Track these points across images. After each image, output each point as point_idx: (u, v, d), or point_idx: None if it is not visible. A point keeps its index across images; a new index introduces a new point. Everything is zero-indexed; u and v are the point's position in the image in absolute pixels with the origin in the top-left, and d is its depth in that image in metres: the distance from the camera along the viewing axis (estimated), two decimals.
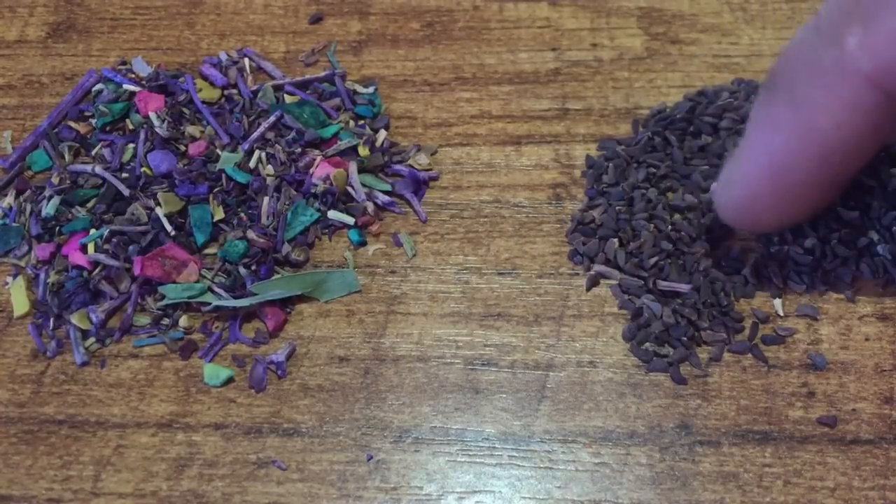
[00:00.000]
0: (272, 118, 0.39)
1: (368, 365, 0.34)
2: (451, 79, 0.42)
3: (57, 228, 0.37)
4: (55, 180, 0.38)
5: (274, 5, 0.45)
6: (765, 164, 0.28)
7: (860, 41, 0.25)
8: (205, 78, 0.42)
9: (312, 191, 0.37)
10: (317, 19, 0.45)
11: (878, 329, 0.34)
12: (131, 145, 0.38)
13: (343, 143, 0.38)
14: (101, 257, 0.35)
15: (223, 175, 0.37)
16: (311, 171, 0.37)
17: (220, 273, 0.36)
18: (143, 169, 0.37)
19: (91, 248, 0.35)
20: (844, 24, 0.26)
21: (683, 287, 0.34)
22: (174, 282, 0.35)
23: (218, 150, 0.38)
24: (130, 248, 0.35)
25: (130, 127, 0.39)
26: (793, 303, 0.35)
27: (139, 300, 0.35)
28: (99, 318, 0.35)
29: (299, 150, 0.38)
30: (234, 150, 0.38)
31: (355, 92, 0.41)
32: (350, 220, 0.37)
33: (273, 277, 0.36)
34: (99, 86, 0.41)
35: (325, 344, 0.35)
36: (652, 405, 0.33)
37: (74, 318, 0.35)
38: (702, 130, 0.38)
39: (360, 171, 0.38)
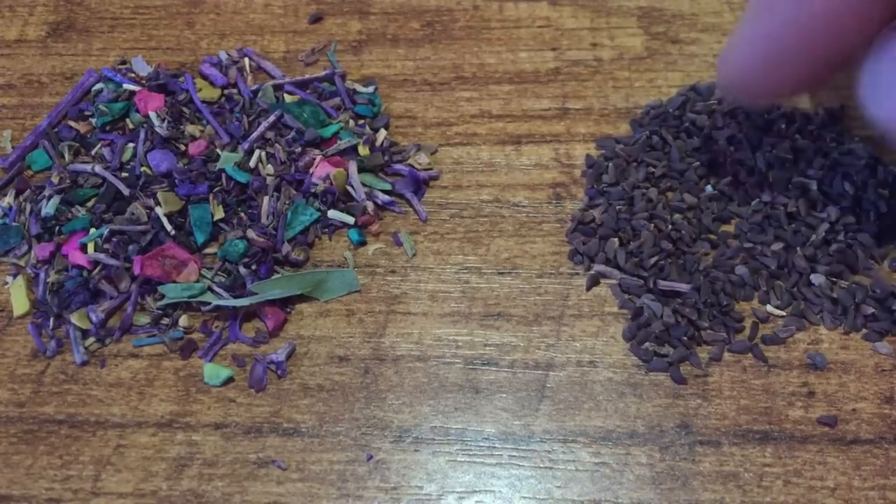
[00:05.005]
0: (272, 118, 0.39)
1: (368, 365, 0.34)
2: (451, 78, 0.42)
3: (57, 228, 0.37)
4: (55, 180, 0.38)
5: (274, 5, 0.45)
6: (760, 37, 0.29)
7: None
8: (205, 77, 0.42)
9: (312, 190, 0.37)
10: (317, 19, 0.45)
11: None
12: (131, 145, 0.38)
13: (343, 143, 0.38)
14: (101, 257, 0.35)
15: (223, 175, 0.37)
16: (311, 170, 0.37)
17: (220, 273, 0.36)
18: (142, 168, 0.37)
19: (91, 247, 0.35)
20: None
21: (683, 287, 0.34)
22: (174, 281, 0.35)
23: (218, 150, 0.38)
24: (130, 247, 0.35)
25: (130, 126, 0.39)
26: None
27: (139, 300, 0.35)
28: (99, 318, 0.35)
29: (299, 149, 0.38)
30: (234, 150, 0.38)
31: (355, 91, 0.41)
32: (350, 220, 0.37)
33: (273, 277, 0.36)
34: (99, 85, 0.41)
35: (325, 344, 0.35)
36: (652, 405, 0.33)
37: (74, 318, 0.35)
38: (694, 123, 0.38)
39: (360, 170, 0.38)
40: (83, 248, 0.36)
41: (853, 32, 0.28)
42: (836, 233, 0.35)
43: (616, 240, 0.36)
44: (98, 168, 0.38)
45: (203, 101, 0.40)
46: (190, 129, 0.39)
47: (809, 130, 0.38)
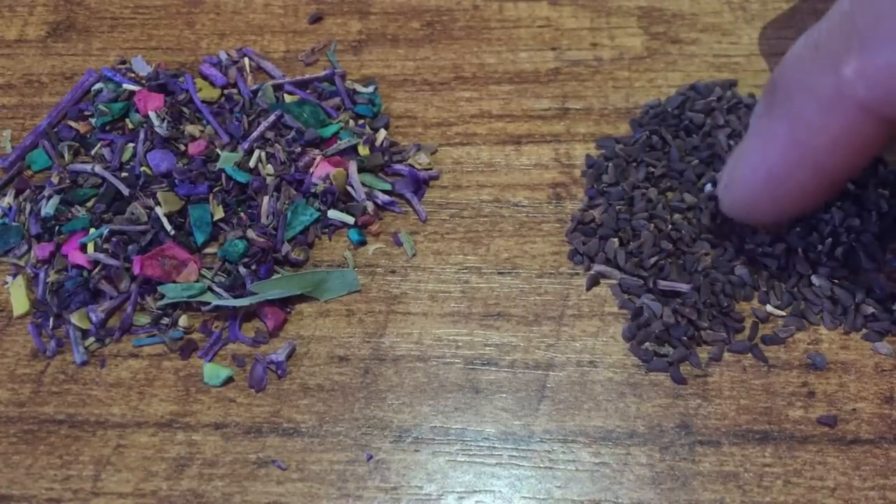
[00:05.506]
0: (272, 118, 0.39)
1: (368, 365, 0.34)
2: (451, 78, 0.42)
3: (56, 228, 0.37)
4: (55, 180, 0.38)
5: (274, 5, 0.45)
6: (762, 172, 0.30)
7: (857, 69, 0.26)
8: (205, 77, 0.42)
9: (312, 190, 0.37)
10: (317, 19, 0.45)
11: None
12: (131, 145, 0.38)
13: (343, 143, 0.38)
14: (101, 257, 0.35)
15: (223, 174, 0.37)
16: (311, 170, 0.37)
17: (219, 273, 0.36)
18: (142, 168, 0.37)
19: (91, 247, 0.35)
20: (842, 49, 0.26)
21: (683, 287, 0.34)
22: (174, 281, 0.35)
23: (218, 150, 0.38)
24: (130, 247, 0.35)
25: (130, 126, 0.39)
26: None
27: (139, 300, 0.35)
28: (98, 318, 0.35)
29: (299, 149, 0.38)
30: (233, 150, 0.38)
31: (355, 91, 0.41)
32: (350, 220, 0.37)
33: (273, 277, 0.36)
34: (98, 85, 0.41)
35: (325, 344, 0.35)
36: (652, 405, 0.33)
37: (74, 318, 0.34)
38: (693, 122, 0.38)
39: (360, 170, 0.38)
40: (83, 248, 0.36)
41: (855, 160, 0.28)
42: (838, 235, 0.35)
43: (616, 240, 0.36)
44: (98, 168, 0.38)
45: (203, 101, 0.40)
46: (190, 129, 0.39)
47: None
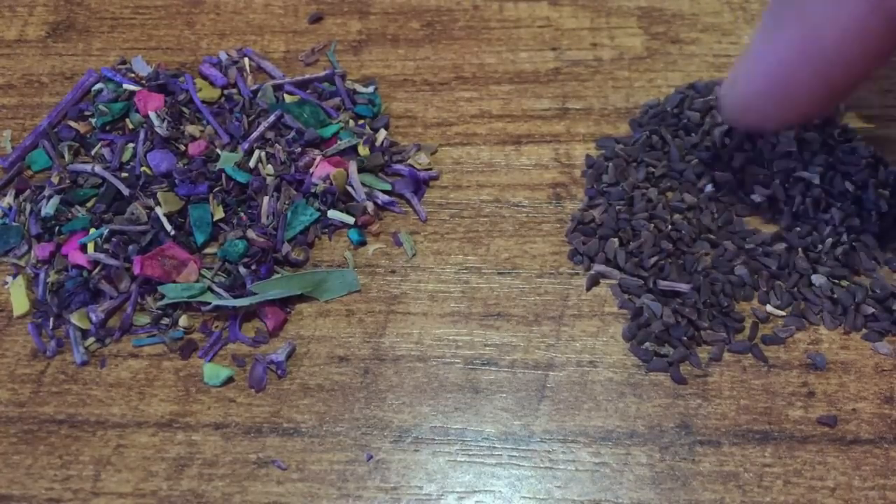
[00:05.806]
0: (272, 118, 0.39)
1: (368, 365, 0.34)
2: (451, 78, 0.42)
3: (57, 228, 0.37)
4: (55, 180, 0.38)
5: (274, 5, 0.45)
6: (768, 66, 0.29)
7: None
8: (205, 77, 0.42)
9: (312, 190, 0.37)
10: (317, 19, 0.45)
11: None
12: (131, 145, 0.38)
13: (343, 143, 0.38)
14: (101, 257, 0.35)
15: (223, 175, 0.37)
16: (311, 170, 0.37)
17: (219, 273, 0.36)
18: (142, 168, 0.37)
19: (91, 247, 0.35)
20: None
21: (683, 287, 0.34)
22: (174, 281, 0.35)
23: (218, 150, 0.38)
24: (130, 247, 0.35)
25: (130, 126, 0.39)
26: None
27: (139, 300, 0.35)
28: (99, 318, 0.35)
29: (299, 149, 0.38)
30: (233, 150, 0.38)
31: (355, 91, 0.41)
32: (350, 220, 0.37)
33: (273, 277, 0.36)
34: (99, 85, 0.41)
35: (325, 344, 0.35)
36: (652, 405, 0.33)
37: (74, 318, 0.34)
38: (691, 120, 0.38)
39: (360, 170, 0.38)
40: (83, 248, 0.36)
41: (862, 63, 0.28)
42: (839, 234, 0.35)
43: (616, 240, 0.36)
44: (98, 168, 0.38)
45: (203, 101, 0.40)
46: (190, 129, 0.39)
47: (814, 123, 0.38)
